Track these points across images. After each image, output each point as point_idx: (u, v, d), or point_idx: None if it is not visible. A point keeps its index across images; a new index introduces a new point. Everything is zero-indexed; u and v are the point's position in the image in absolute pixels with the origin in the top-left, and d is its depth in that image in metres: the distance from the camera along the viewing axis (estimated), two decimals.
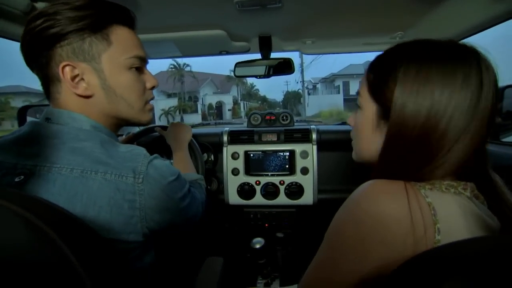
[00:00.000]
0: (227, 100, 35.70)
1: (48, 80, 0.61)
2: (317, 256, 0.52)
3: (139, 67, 0.68)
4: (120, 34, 0.63)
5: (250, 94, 49.05)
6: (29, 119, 1.45)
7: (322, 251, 0.51)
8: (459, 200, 0.45)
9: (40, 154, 0.55)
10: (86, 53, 0.59)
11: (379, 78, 0.52)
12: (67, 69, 0.58)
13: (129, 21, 0.66)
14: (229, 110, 34.38)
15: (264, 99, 58.14)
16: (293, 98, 49.86)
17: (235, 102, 39.11)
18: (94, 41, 0.60)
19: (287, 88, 51.89)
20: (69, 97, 0.61)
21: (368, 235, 0.43)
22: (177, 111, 29.67)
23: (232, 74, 1.50)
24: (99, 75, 0.61)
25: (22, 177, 0.53)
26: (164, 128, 1.20)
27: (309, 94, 38.94)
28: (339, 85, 32.94)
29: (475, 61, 0.45)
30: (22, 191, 0.50)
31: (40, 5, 0.84)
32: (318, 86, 40.41)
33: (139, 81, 0.67)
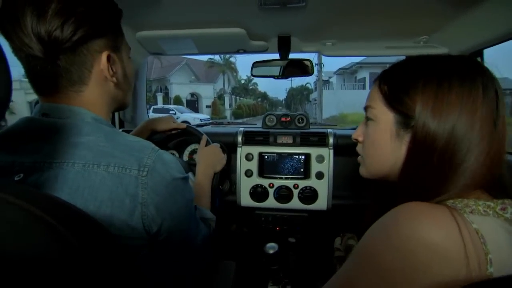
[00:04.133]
0: (206, 93, 27.73)
1: (74, 72, 0.58)
2: (342, 276, 0.49)
3: None
4: (123, 28, 0.68)
5: (246, 89, 43.15)
6: None
7: (350, 272, 0.48)
8: (501, 225, 0.42)
9: (39, 150, 0.54)
10: (115, 44, 0.64)
11: (397, 87, 0.53)
12: (107, 58, 0.61)
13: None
14: (207, 106, 27.00)
15: (264, 96, 53.31)
16: (298, 95, 44.86)
17: (220, 96, 31.17)
18: (118, 34, 0.65)
19: (291, 85, 45.99)
20: (97, 88, 0.62)
21: (411, 264, 0.39)
22: None
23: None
24: (121, 65, 0.67)
25: (22, 175, 0.52)
26: (207, 143, 1.19)
27: (316, 89, 30.77)
28: (364, 78, 24.25)
29: (488, 75, 0.49)
30: None
31: None
32: (333, 79, 31.91)
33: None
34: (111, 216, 0.52)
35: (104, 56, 0.60)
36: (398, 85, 0.53)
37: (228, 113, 28.48)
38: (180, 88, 25.16)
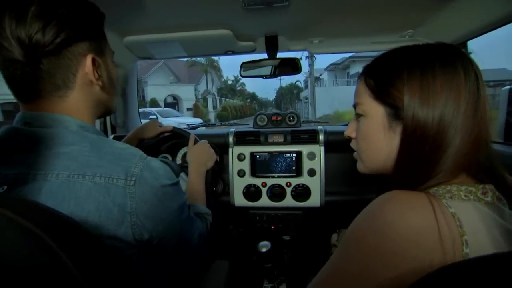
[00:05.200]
0: (187, 94, 25.07)
1: (58, 76, 0.56)
2: (330, 263, 0.50)
3: None
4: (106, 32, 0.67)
5: (234, 90, 41.75)
6: None
7: (337, 259, 0.49)
8: (481, 209, 0.44)
9: (23, 162, 0.52)
10: (99, 48, 0.63)
11: (382, 80, 0.54)
12: (92, 62, 0.60)
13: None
14: (188, 109, 24.57)
15: (253, 97, 52.05)
16: (288, 94, 43.96)
17: (204, 97, 29.11)
18: (101, 38, 0.64)
19: (280, 84, 44.54)
20: (83, 92, 0.60)
21: (391, 249, 0.41)
22: None
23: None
24: (106, 68, 0.65)
25: (5, 187, 0.51)
26: (195, 141, 1.20)
27: (306, 87, 30.40)
28: (357, 73, 19.47)
29: (466, 59, 0.50)
30: None
31: None
32: (324, 76, 31.08)
33: None
34: (99, 226, 0.51)
35: (89, 59, 0.59)
36: (383, 78, 0.54)
37: (212, 116, 26.25)
38: (157, 90, 22.74)
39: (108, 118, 1.62)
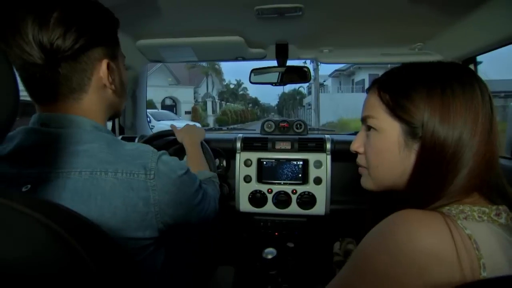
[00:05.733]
0: (185, 97, 23.79)
1: (74, 80, 0.58)
2: (341, 279, 0.49)
3: None
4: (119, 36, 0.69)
5: (236, 94, 41.11)
6: None
7: (348, 276, 0.48)
8: (496, 231, 0.43)
9: (44, 161, 0.54)
10: (112, 53, 0.64)
11: (399, 95, 0.52)
12: (108, 66, 0.62)
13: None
14: (187, 112, 23.51)
15: (255, 102, 51.40)
16: (291, 100, 42.83)
17: (204, 100, 27.89)
18: (115, 43, 0.66)
19: (283, 89, 43.42)
20: (96, 95, 0.62)
21: (404, 269, 0.40)
22: None
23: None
24: (118, 73, 0.67)
25: (29, 186, 0.52)
26: (168, 131, 1.24)
27: (310, 93, 29.93)
28: (363, 80, 23.04)
29: (482, 81, 0.50)
30: None
31: None
32: (328, 82, 30.60)
33: None
34: (127, 220, 0.55)
35: (104, 64, 0.61)
36: (400, 93, 0.52)
37: (211, 120, 25.77)
38: (155, 91, 21.44)
39: (116, 119, 1.63)
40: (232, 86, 40.55)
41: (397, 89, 0.53)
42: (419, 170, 0.51)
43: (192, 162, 1.02)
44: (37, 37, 0.51)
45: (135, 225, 0.56)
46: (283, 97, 45.59)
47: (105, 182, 0.54)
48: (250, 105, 48.65)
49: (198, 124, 1.25)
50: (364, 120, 0.60)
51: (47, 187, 0.52)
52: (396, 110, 0.52)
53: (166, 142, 1.33)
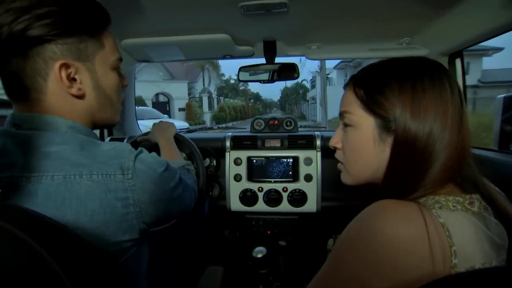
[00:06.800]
0: (179, 92, 21.62)
1: (26, 79, 0.54)
2: (322, 272, 0.50)
3: (119, 68, 0.69)
4: (108, 37, 0.64)
5: (236, 89, 40.15)
6: None
7: (329, 266, 0.49)
8: (469, 219, 0.44)
9: (15, 164, 0.51)
10: (81, 52, 0.58)
11: (373, 90, 0.54)
12: (63, 67, 0.55)
13: (109, 26, 0.66)
14: (180, 109, 21.73)
15: (257, 97, 50.73)
16: (294, 94, 42.06)
17: (199, 97, 25.61)
18: (90, 42, 0.59)
19: (285, 84, 41.95)
20: (57, 98, 0.57)
21: (380, 257, 0.41)
22: None
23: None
24: (92, 75, 0.61)
25: (0, 191, 0.50)
26: (146, 134, 1.22)
27: (313, 87, 29.65)
28: None
29: (451, 75, 0.52)
30: None
31: None
32: (333, 75, 28.37)
33: (120, 81, 0.69)
34: (105, 223, 0.52)
35: (56, 65, 0.54)
36: (374, 89, 0.54)
37: (207, 117, 23.94)
38: (145, 87, 19.21)
39: None
40: (232, 81, 39.54)
41: (371, 85, 0.55)
42: (393, 163, 0.52)
43: (165, 154, 1.01)
44: None
45: (114, 227, 0.53)
46: (286, 92, 44.75)
47: (80, 186, 0.51)
48: (252, 100, 47.97)
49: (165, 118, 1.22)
50: (341, 115, 0.61)
51: (18, 192, 0.50)
52: (370, 105, 0.53)
53: (152, 144, 1.31)
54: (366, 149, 0.55)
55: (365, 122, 0.55)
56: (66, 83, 0.56)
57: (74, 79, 0.58)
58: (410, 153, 0.49)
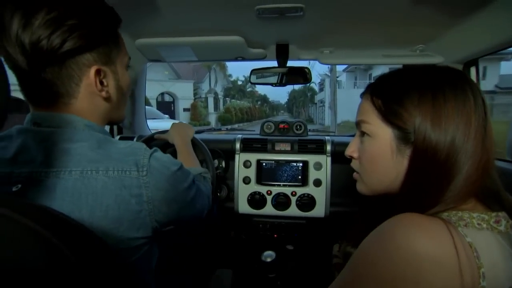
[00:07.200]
0: (184, 92, 21.11)
1: (60, 85, 0.56)
2: (339, 281, 0.49)
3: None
4: (120, 38, 0.66)
5: (243, 91, 39.76)
6: None
7: (348, 280, 0.48)
8: (495, 238, 0.42)
9: (34, 160, 0.53)
10: (108, 57, 0.61)
11: (391, 100, 0.52)
12: (97, 73, 0.59)
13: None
14: (185, 109, 21.27)
15: (264, 99, 50.30)
16: (301, 97, 41.64)
17: (205, 98, 24.83)
18: (112, 46, 0.62)
19: (292, 86, 40.85)
20: (86, 101, 0.59)
21: (401, 274, 0.39)
22: None
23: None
24: (115, 77, 0.64)
25: (20, 185, 0.51)
26: (163, 132, 1.22)
27: (321, 90, 29.03)
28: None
29: (474, 85, 0.50)
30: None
31: None
32: (342, 78, 28.37)
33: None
34: (119, 219, 0.53)
35: (92, 71, 0.57)
36: (392, 99, 0.52)
37: (212, 118, 23.32)
38: (150, 86, 17.65)
39: None
40: (240, 83, 39.32)
41: (389, 95, 0.53)
42: (412, 175, 0.51)
43: (182, 159, 1.01)
44: (20, 39, 0.49)
45: (127, 224, 0.55)
46: (293, 94, 44.46)
47: (96, 181, 0.52)
48: (259, 102, 47.59)
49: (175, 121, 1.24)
50: (358, 125, 0.60)
51: (37, 187, 0.51)
52: (388, 115, 0.52)
53: (164, 142, 1.32)
54: (383, 160, 0.54)
55: (382, 132, 0.53)
56: (98, 87, 0.59)
57: (102, 83, 0.60)
58: (431, 165, 0.48)
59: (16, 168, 0.53)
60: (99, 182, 0.53)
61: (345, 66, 24.18)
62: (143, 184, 0.56)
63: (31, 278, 0.31)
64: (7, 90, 0.36)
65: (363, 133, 0.58)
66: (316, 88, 36.56)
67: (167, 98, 21.53)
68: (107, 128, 0.75)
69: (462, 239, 0.40)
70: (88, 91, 0.59)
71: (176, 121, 1.24)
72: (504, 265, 0.40)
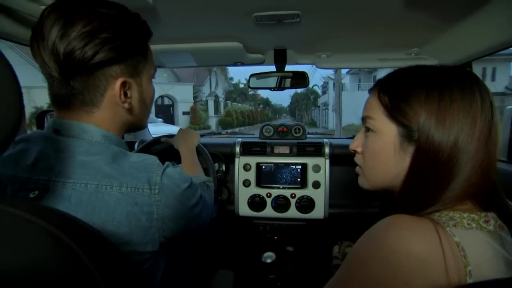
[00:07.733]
0: (183, 95, 20.60)
1: (86, 94, 0.58)
2: (334, 281, 0.50)
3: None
4: (149, 50, 0.67)
5: (245, 94, 39.43)
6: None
7: (341, 277, 0.49)
8: (483, 238, 0.43)
9: (52, 168, 0.54)
10: (135, 69, 0.62)
11: (398, 98, 0.52)
12: (123, 84, 0.60)
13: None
14: (184, 113, 20.92)
15: (266, 103, 49.98)
16: (304, 100, 41.12)
17: (205, 101, 24.27)
18: (140, 58, 0.63)
19: (295, 89, 41.64)
20: (108, 111, 0.61)
21: (393, 275, 0.41)
22: None
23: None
24: (139, 89, 0.65)
25: (37, 192, 0.53)
26: (170, 136, 1.24)
27: (325, 93, 29.43)
28: None
29: (484, 86, 0.49)
30: None
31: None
32: (345, 80, 27.20)
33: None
34: (129, 234, 0.54)
35: (118, 83, 0.59)
36: (399, 96, 0.52)
37: (213, 122, 23.09)
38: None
39: None
40: (241, 86, 38.95)
41: (396, 92, 0.53)
42: (412, 173, 0.51)
43: (187, 168, 1.03)
44: (55, 49, 0.51)
45: (137, 239, 0.56)
46: (296, 97, 43.96)
47: (110, 196, 0.54)
48: (261, 105, 47.17)
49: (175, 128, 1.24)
50: (363, 120, 0.60)
51: (53, 196, 0.52)
52: (394, 112, 0.52)
53: (166, 147, 1.33)
54: (385, 156, 0.54)
55: (386, 128, 0.54)
56: (122, 98, 0.61)
57: (126, 94, 0.62)
58: (432, 163, 0.48)
59: (34, 174, 0.54)
60: (112, 197, 0.54)
61: (349, 68, 24.22)
62: (155, 202, 0.57)
63: (51, 284, 0.32)
64: (20, 95, 0.37)
65: (368, 129, 0.58)
66: (319, 91, 36.26)
67: (166, 101, 21.31)
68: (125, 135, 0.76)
69: (449, 239, 0.41)
70: (111, 101, 0.60)
71: (182, 128, 1.25)
72: (493, 262, 0.41)
